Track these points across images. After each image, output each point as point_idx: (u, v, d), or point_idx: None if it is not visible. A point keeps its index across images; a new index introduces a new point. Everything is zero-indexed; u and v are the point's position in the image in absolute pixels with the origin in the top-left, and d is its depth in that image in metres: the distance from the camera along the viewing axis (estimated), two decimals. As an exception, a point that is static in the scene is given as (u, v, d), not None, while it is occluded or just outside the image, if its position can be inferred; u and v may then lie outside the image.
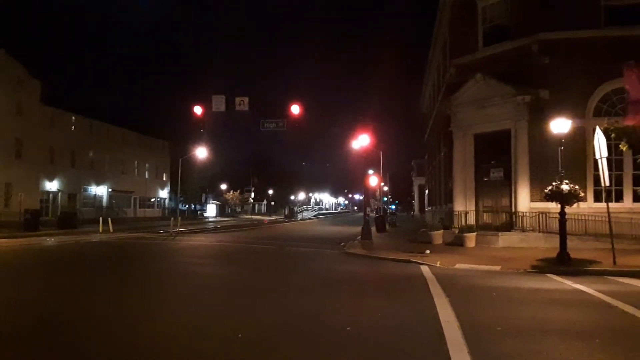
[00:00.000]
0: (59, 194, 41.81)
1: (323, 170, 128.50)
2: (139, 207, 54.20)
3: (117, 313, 6.98)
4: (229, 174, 75.89)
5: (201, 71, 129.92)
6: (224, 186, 75.95)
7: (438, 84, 27.20)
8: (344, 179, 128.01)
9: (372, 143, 23.61)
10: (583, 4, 17.08)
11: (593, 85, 16.82)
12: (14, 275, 11.37)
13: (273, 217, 71.02)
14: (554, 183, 12.53)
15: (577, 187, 12.52)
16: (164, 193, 60.46)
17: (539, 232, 16.61)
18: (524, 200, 17.40)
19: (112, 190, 49.22)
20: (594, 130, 12.60)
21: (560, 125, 13.44)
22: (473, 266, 12.62)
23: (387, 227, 31.41)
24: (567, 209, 12.52)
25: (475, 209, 18.94)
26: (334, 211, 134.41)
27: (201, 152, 42.25)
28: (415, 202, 58.56)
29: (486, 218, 19.01)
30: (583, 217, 15.71)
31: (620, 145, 12.72)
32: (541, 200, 15.48)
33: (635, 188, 15.90)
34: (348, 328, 5.96)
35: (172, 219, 30.20)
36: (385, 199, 56.51)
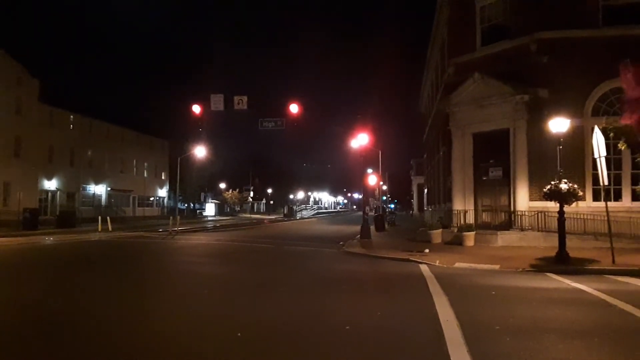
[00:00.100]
0: (58, 192, 41.73)
1: (322, 169, 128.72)
2: (138, 206, 54.13)
3: (117, 312, 6.98)
4: (228, 173, 75.93)
5: (200, 70, 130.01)
6: (223, 185, 75.97)
7: (436, 83, 27.19)
8: (343, 178, 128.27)
9: (371, 142, 23.64)
10: (581, 3, 17.09)
11: (592, 85, 16.84)
12: (13, 275, 11.36)
13: (272, 216, 71.00)
14: (552, 182, 12.55)
15: (575, 186, 12.55)
16: (163, 192, 60.40)
17: (538, 231, 16.63)
18: (522, 200, 17.43)
19: (111, 189, 49.15)
20: (593, 129, 12.61)
21: (558, 125, 13.46)
22: (472, 265, 12.64)
23: (386, 226, 31.46)
24: (566, 208, 12.54)
25: (474, 208, 18.97)
26: (333, 210, 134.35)
27: (200, 151, 42.36)
28: (414, 201, 58.61)
29: (485, 217, 19.03)
30: (582, 216, 15.74)
31: (618, 145, 12.75)
32: (540, 200, 15.52)
33: (633, 187, 15.92)
34: (347, 327, 5.97)
35: (171, 218, 30.20)
36: (385, 198, 56.53)
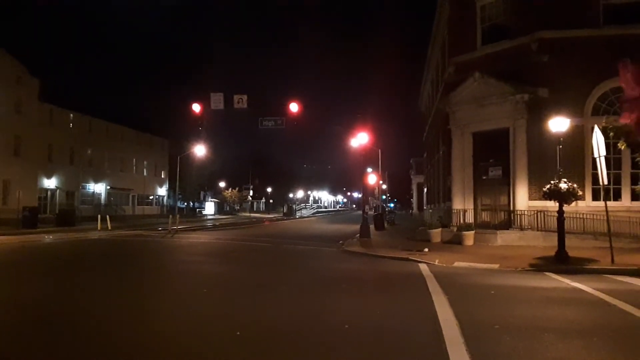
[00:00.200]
0: (57, 191, 41.74)
1: (322, 168, 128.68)
2: (138, 205, 54.15)
3: (117, 312, 6.97)
4: (227, 172, 75.91)
5: (200, 70, 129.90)
6: (222, 184, 75.95)
7: (437, 82, 27.19)
8: (342, 177, 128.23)
9: (370, 141, 23.66)
10: (582, 3, 17.11)
11: (592, 84, 16.85)
12: (12, 273, 11.34)
13: (272, 215, 71.03)
14: (552, 181, 12.55)
15: (575, 185, 12.55)
16: (162, 191, 60.39)
17: (537, 230, 16.65)
18: (522, 199, 17.43)
19: (111, 187, 49.15)
20: (593, 129, 12.61)
21: (558, 124, 13.46)
22: (471, 264, 12.65)
23: (385, 225, 31.48)
24: (566, 208, 12.55)
25: (474, 207, 18.97)
26: (332, 209, 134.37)
27: (200, 150, 42.38)
28: (414, 200, 58.61)
29: (484, 216, 19.04)
30: (581, 216, 15.76)
31: (618, 144, 12.73)
32: (539, 199, 15.53)
33: (633, 187, 15.93)
34: (347, 326, 5.97)
35: (170, 216, 30.24)
36: (384, 197, 56.56)
